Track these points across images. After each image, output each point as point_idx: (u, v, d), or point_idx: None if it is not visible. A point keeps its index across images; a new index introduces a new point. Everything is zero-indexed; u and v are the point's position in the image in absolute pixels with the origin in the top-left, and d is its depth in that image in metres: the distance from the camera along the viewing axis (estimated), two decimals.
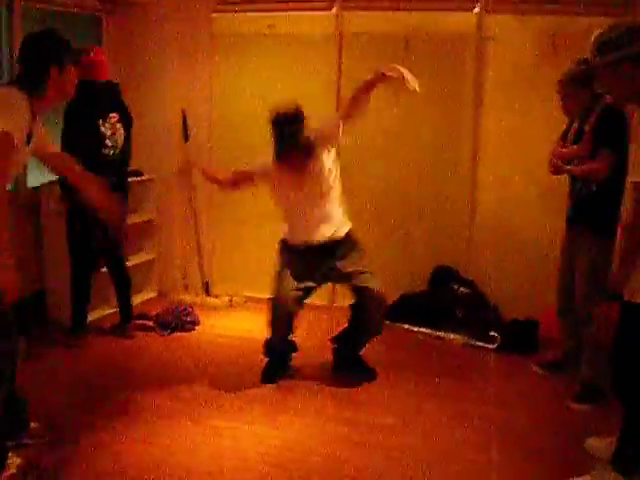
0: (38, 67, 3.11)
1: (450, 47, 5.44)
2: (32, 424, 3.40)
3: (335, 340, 4.49)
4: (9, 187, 3.16)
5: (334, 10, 5.55)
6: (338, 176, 4.21)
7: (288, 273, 4.19)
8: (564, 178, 4.25)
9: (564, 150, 4.19)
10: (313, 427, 3.78)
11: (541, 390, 4.34)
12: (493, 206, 5.44)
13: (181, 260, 6.16)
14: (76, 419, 3.72)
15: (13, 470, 3.06)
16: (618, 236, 2.82)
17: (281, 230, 4.37)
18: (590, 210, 3.99)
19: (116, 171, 4.84)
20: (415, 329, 5.34)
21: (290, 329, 4.34)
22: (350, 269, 4.19)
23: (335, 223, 4.22)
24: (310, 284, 4.24)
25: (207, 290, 6.09)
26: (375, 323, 4.27)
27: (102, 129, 4.69)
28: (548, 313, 4.74)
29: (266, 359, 4.41)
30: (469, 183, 5.50)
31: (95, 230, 4.74)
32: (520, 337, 4.99)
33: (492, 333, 5.00)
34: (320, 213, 4.17)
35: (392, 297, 5.51)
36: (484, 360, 4.81)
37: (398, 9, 5.45)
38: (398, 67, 3.89)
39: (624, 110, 3.74)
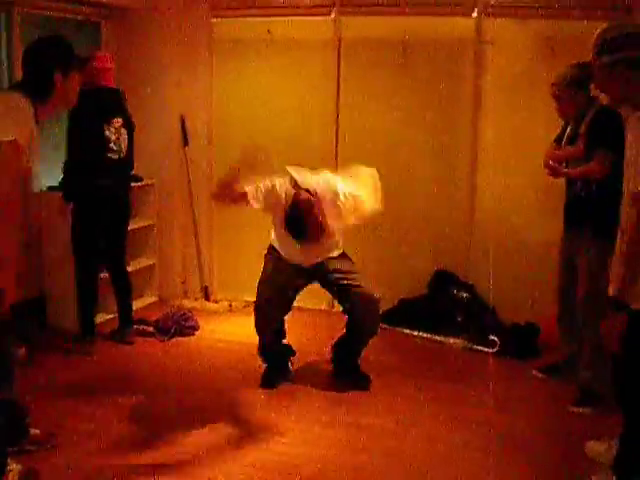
0: (42, 73, 3.09)
1: (448, 51, 5.45)
2: (32, 430, 3.40)
3: (334, 347, 4.49)
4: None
5: (332, 15, 5.56)
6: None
7: (273, 277, 4.18)
8: (563, 182, 4.26)
9: (558, 152, 4.22)
10: (312, 432, 3.78)
11: (541, 394, 4.34)
12: (492, 210, 5.43)
13: (181, 265, 6.16)
14: (76, 425, 3.72)
15: (14, 476, 3.05)
16: (618, 241, 2.79)
17: (271, 236, 4.33)
18: (590, 211, 3.99)
19: (120, 175, 4.89)
20: (415, 333, 5.34)
21: (280, 333, 4.35)
22: (338, 274, 4.16)
23: (330, 249, 4.20)
24: (296, 284, 4.23)
25: (207, 295, 6.09)
26: (369, 322, 4.21)
27: (107, 133, 4.71)
28: (548, 318, 4.74)
29: (264, 364, 4.40)
30: (468, 187, 5.50)
31: (99, 231, 4.79)
32: (520, 341, 4.99)
33: (492, 337, 5.00)
34: (315, 247, 4.09)
35: (391, 301, 5.54)
36: (484, 364, 4.80)
37: (396, 14, 5.46)
38: None
39: (619, 111, 3.75)
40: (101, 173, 4.73)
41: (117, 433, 3.68)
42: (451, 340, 5.16)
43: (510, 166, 5.34)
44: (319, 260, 4.18)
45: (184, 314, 5.41)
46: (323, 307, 5.65)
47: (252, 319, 5.40)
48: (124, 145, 4.83)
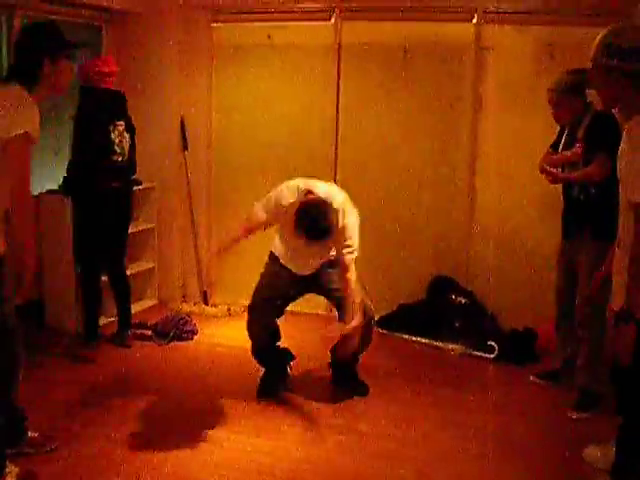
0: (31, 59, 3.06)
1: (448, 57, 5.46)
2: (30, 433, 3.40)
3: (332, 353, 4.48)
4: None
5: (332, 20, 5.57)
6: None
7: (270, 282, 4.19)
8: (561, 187, 4.28)
9: (555, 157, 4.23)
10: (310, 436, 3.78)
11: (539, 400, 4.34)
12: (492, 216, 5.44)
13: (180, 269, 6.16)
14: (74, 429, 3.72)
15: (12, 479, 3.05)
16: (616, 251, 2.78)
17: (274, 243, 4.32)
18: (589, 214, 4.00)
19: (123, 178, 4.92)
20: (413, 339, 5.34)
21: (274, 336, 4.33)
22: (334, 285, 4.13)
23: (317, 261, 4.18)
24: (291, 293, 4.23)
25: (206, 299, 6.09)
26: (362, 334, 4.14)
27: (111, 136, 4.74)
28: (546, 324, 4.75)
29: (263, 369, 4.40)
30: (468, 193, 5.51)
31: (101, 234, 4.81)
32: (518, 347, 4.99)
33: (490, 343, 5.00)
34: (315, 258, 4.14)
35: (390, 307, 5.54)
36: (482, 370, 4.81)
37: (396, 19, 5.48)
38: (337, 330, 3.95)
39: (615, 116, 3.76)
40: (105, 175, 4.76)
41: (115, 436, 3.67)
42: (449, 345, 5.16)
43: (509, 171, 5.36)
44: (316, 270, 4.18)
45: (183, 318, 5.40)
46: (320, 312, 5.65)
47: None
48: (127, 148, 4.86)
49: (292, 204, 3.83)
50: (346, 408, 4.15)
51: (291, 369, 4.53)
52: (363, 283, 4.21)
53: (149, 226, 5.90)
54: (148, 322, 5.36)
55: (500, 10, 5.23)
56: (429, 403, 4.24)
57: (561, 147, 4.24)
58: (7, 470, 3.05)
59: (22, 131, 2.88)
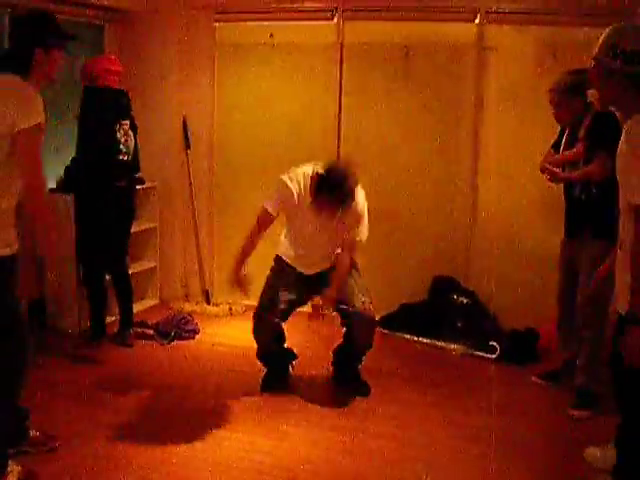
0: (23, 47, 3.03)
1: (450, 57, 5.46)
2: (32, 432, 3.40)
3: (334, 354, 4.48)
4: None
5: (335, 20, 5.57)
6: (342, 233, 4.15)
7: (276, 286, 4.18)
8: (562, 187, 4.28)
9: (556, 157, 4.24)
10: (311, 436, 3.78)
11: (540, 400, 4.34)
12: (493, 216, 5.44)
13: (182, 268, 6.17)
14: (75, 428, 3.72)
15: (13, 478, 3.06)
16: (618, 252, 2.77)
17: (280, 246, 4.34)
18: (591, 213, 4.01)
19: (128, 176, 4.94)
20: (415, 339, 5.34)
21: (279, 339, 4.32)
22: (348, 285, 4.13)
23: (325, 260, 4.20)
24: (297, 297, 4.21)
25: (207, 298, 6.09)
26: (363, 340, 4.19)
27: (118, 135, 4.76)
28: (548, 324, 4.74)
29: (265, 368, 4.41)
30: (469, 193, 5.51)
31: (105, 233, 4.83)
32: (519, 347, 4.99)
33: (492, 343, 4.99)
34: (324, 250, 4.16)
35: (392, 307, 5.54)
36: (483, 370, 4.80)
37: (399, 19, 5.47)
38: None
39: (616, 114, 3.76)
40: (111, 174, 4.77)
41: (116, 435, 3.67)
42: (451, 346, 5.16)
43: (511, 171, 5.35)
44: (320, 269, 4.18)
45: (184, 318, 5.41)
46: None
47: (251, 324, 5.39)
48: (131, 147, 4.87)
49: (303, 187, 3.94)
50: (347, 408, 4.14)
51: (293, 368, 4.53)
52: (366, 285, 4.22)
53: (151, 225, 5.90)
54: (150, 321, 5.37)
55: (502, 10, 5.23)
56: (430, 403, 4.23)
57: (562, 147, 4.25)
58: (9, 469, 3.06)
59: (35, 122, 2.88)
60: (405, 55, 5.47)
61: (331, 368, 4.51)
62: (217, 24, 5.85)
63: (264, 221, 4.08)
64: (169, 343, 5.14)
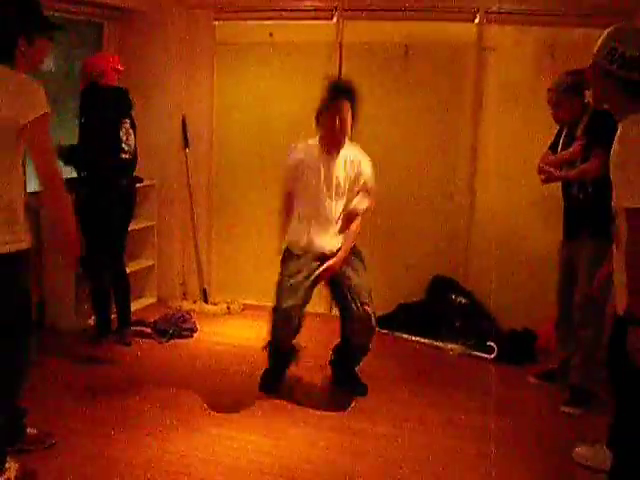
0: (5, 36, 2.94)
1: (450, 57, 5.47)
2: (29, 430, 3.40)
3: (332, 353, 4.48)
4: None
5: (334, 19, 5.57)
6: (349, 201, 4.20)
7: (290, 281, 4.09)
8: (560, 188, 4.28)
9: (552, 157, 4.25)
10: (309, 436, 3.78)
11: (538, 400, 4.35)
12: (492, 216, 5.44)
13: (180, 267, 6.16)
14: (73, 426, 3.72)
15: (10, 475, 3.05)
16: (615, 253, 2.77)
17: (288, 235, 4.30)
18: (588, 213, 4.01)
19: (129, 175, 4.96)
20: (413, 338, 5.34)
21: (295, 333, 4.17)
22: (346, 282, 4.11)
23: (336, 238, 4.18)
24: (309, 279, 4.12)
25: (205, 297, 6.09)
26: (360, 345, 4.17)
27: (120, 133, 4.76)
28: (545, 324, 4.75)
29: (267, 367, 4.35)
30: (467, 193, 5.51)
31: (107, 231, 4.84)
32: (517, 347, 4.99)
33: (489, 343, 5.00)
34: (330, 215, 4.14)
35: (390, 306, 5.54)
36: (481, 370, 4.80)
37: (398, 19, 5.47)
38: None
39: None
40: (114, 173, 4.77)
41: (115, 434, 3.67)
42: (449, 345, 5.16)
43: (510, 172, 5.36)
44: (327, 249, 4.14)
45: (182, 316, 5.41)
46: (321, 311, 5.64)
47: (250, 322, 5.40)
48: (132, 145, 4.87)
49: (310, 149, 4.19)
50: (344, 407, 4.14)
51: (296, 364, 4.41)
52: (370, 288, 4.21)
53: (149, 224, 5.90)
54: (147, 320, 5.37)
55: (502, 10, 5.22)
56: (428, 403, 4.24)
57: (560, 147, 4.26)
58: (7, 466, 3.05)
59: (42, 112, 2.87)
60: (404, 55, 5.48)
61: (328, 365, 4.50)
62: (217, 23, 5.84)
63: (286, 202, 4.29)
64: (167, 341, 5.14)
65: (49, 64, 5.10)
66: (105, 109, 4.69)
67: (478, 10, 5.28)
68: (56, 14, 5.09)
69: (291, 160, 4.19)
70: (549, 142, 4.39)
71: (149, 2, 5.73)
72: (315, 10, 5.63)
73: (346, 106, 4.06)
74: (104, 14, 5.71)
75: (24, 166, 3.14)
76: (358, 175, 4.16)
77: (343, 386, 4.39)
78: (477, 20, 5.31)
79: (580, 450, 3.56)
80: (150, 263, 6.00)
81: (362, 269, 4.22)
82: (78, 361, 4.68)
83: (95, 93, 4.70)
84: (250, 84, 5.89)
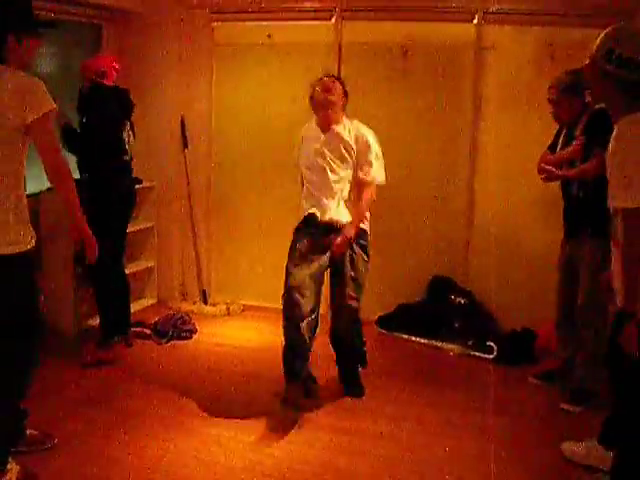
0: None
1: (449, 57, 5.46)
2: (29, 431, 3.40)
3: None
4: None
5: (333, 20, 5.57)
6: (349, 180, 4.17)
7: (298, 248, 4.08)
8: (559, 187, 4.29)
9: (552, 157, 4.25)
10: (308, 436, 3.78)
11: (537, 400, 4.35)
12: (491, 217, 5.44)
13: (180, 268, 6.16)
14: (73, 427, 3.72)
15: (12, 476, 3.05)
16: (613, 250, 2.79)
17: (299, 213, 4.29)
18: (589, 211, 4.01)
19: (129, 176, 4.96)
20: (413, 339, 5.34)
21: (312, 333, 4.03)
22: (347, 272, 4.11)
23: (338, 208, 4.14)
24: (320, 256, 4.09)
25: (205, 298, 6.09)
26: (341, 332, 4.18)
27: (123, 134, 4.77)
28: (545, 324, 4.75)
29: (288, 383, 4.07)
30: (467, 193, 5.51)
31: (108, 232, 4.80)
32: (517, 348, 4.99)
33: (489, 343, 5.00)
34: (329, 185, 4.12)
35: (390, 307, 5.54)
36: (481, 370, 4.80)
37: (397, 19, 5.47)
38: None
39: None
40: (118, 174, 4.77)
41: (115, 435, 3.67)
42: (449, 346, 5.16)
43: (509, 171, 5.36)
44: (328, 219, 4.12)
45: (182, 317, 5.41)
46: (321, 312, 5.63)
47: (250, 323, 5.40)
48: (132, 146, 4.88)
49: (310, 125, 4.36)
50: (346, 409, 4.14)
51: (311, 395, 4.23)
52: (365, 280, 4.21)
53: (148, 225, 5.90)
54: (147, 321, 5.37)
55: (501, 10, 5.23)
56: (427, 403, 4.24)
57: (559, 147, 4.27)
58: (8, 467, 3.05)
59: (45, 111, 2.88)
60: (403, 55, 5.47)
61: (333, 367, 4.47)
62: (215, 24, 5.85)
63: (300, 177, 4.35)
64: (167, 343, 5.14)
65: (40, 63, 5.09)
66: (108, 109, 4.66)
67: (477, 10, 5.28)
68: (55, 16, 5.10)
69: (298, 139, 4.39)
70: (548, 142, 4.40)
71: (147, 3, 5.74)
72: (314, 11, 5.63)
73: (332, 83, 4.24)
74: (103, 16, 5.72)
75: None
76: (362, 148, 4.17)
77: (341, 382, 4.38)
78: (475, 20, 5.31)
79: (568, 445, 3.59)
80: (150, 264, 6.00)
81: (362, 265, 4.21)
82: (78, 362, 4.67)
83: (97, 93, 4.68)
84: (249, 85, 5.89)
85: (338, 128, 4.19)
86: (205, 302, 6.06)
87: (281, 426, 3.86)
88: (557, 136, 4.32)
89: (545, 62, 5.13)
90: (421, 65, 5.49)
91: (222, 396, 4.25)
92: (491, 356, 4.95)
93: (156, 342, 5.13)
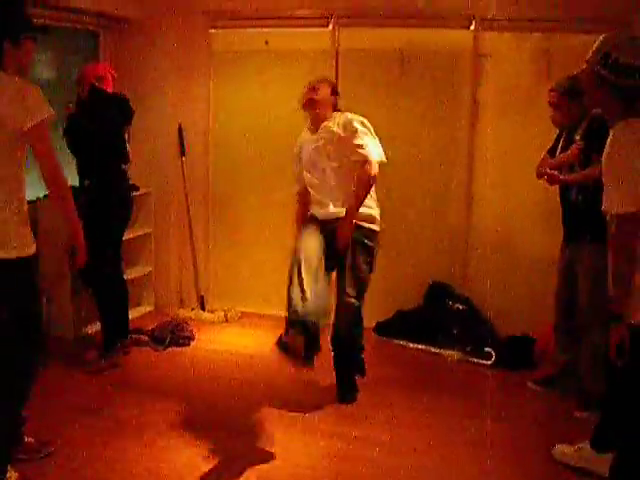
0: None
1: (446, 64, 5.48)
2: (26, 439, 3.39)
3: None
4: None
5: (330, 27, 5.58)
6: (350, 168, 4.17)
7: (305, 237, 4.11)
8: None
9: (551, 161, 4.26)
10: (306, 442, 3.77)
11: (536, 406, 4.35)
12: (489, 222, 5.46)
13: (177, 275, 6.16)
14: (70, 434, 3.71)
15: None
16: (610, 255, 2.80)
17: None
18: (588, 216, 4.01)
19: (128, 182, 4.98)
20: (411, 345, 5.33)
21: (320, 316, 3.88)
22: (349, 265, 4.11)
23: (338, 199, 4.17)
24: (320, 239, 4.12)
25: (202, 305, 6.08)
26: (341, 331, 4.18)
27: (124, 140, 4.81)
28: (544, 330, 4.75)
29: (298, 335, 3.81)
30: (465, 199, 5.52)
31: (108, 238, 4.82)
32: (515, 353, 4.99)
33: (487, 349, 5.00)
34: (327, 182, 4.19)
35: (388, 313, 5.54)
36: (479, 376, 4.80)
37: (394, 26, 5.49)
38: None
39: None
40: (120, 180, 4.77)
41: (112, 442, 3.66)
42: (447, 352, 5.16)
43: (507, 177, 5.38)
44: (333, 215, 4.14)
45: (179, 324, 5.40)
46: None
47: (247, 330, 5.40)
48: (131, 153, 4.89)
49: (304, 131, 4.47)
50: (344, 415, 4.14)
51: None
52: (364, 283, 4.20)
53: (146, 231, 5.89)
54: (145, 328, 5.36)
55: (498, 17, 5.24)
56: (426, 409, 4.23)
57: (558, 151, 4.27)
58: (8, 475, 3.04)
59: (41, 118, 2.88)
60: (400, 62, 5.49)
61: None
62: (213, 31, 5.86)
63: (300, 192, 4.47)
64: (164, 349, 5.13)
65: (38, 70, 5.10)
66: (108, 115, 4.66)
67: (474, 17, 5.30)
68: (53, 24, 5.11)
69: (296, 150, 4.50)
70: (546, 147, 4.41)
71: (145, 11, 5.74)
72: (311, 18, 5.64)
73: (318, 83, 4.38)
74: (100, 23, 5.71)
75: None
76: (349, 130, 4.16)
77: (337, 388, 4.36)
78: (472, 27, 5.33)
79: (560, 448, 3.60)
80: (147, 271, 5.99)
81: (364, 265, 4.18)
82: (77, 368, 4.66)
83: (97, 98, 4.67)
84: (246, 92, 5.89)
85: (327, 123, 4.25)
86: (203, 309, 6.05)
87: (279, 432, 3.86)
88: (557, 140, 4.33)
89: (542, 69, 5.15)
90: (418, 72, 5.50)
91: (220, 403, 4.24)
92: (489, 362, 4.95)
93: (154, 349, 5.12)
